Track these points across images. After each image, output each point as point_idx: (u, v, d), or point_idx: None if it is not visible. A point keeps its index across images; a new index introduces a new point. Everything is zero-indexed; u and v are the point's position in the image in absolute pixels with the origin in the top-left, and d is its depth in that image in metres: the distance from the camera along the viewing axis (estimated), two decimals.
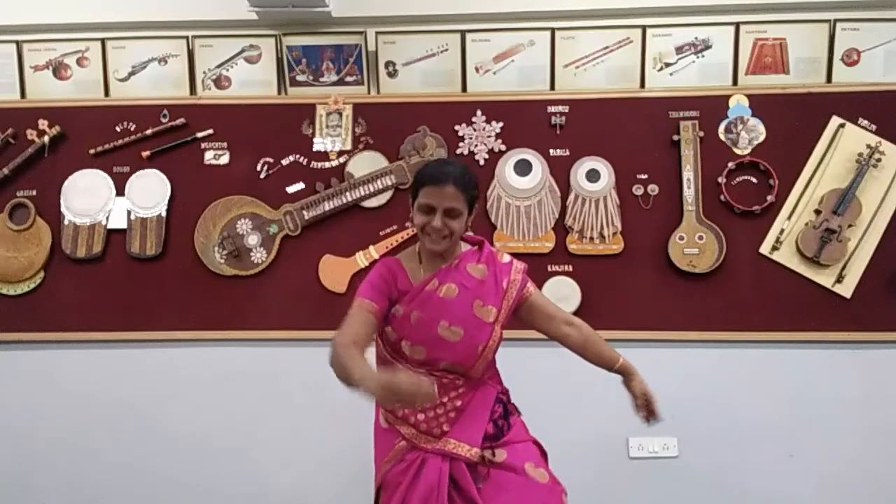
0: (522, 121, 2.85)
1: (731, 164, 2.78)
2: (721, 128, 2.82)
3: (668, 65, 2.86)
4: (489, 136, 2.85)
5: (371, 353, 1.80)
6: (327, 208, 2.85)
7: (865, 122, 2.78)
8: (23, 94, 2.96)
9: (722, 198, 2.78)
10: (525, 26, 2.88)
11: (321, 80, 2.92)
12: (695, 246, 2.76)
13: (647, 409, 1.94)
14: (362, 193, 2.84)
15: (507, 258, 1.97)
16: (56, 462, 2.89)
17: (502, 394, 1.96)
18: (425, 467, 1.80)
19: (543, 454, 1.95)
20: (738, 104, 2.81)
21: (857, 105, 2.78)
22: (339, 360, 1.64)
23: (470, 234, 1.96)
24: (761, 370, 2.77)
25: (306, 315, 2.83)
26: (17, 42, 2.95)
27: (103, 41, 2.94)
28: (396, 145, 2.87)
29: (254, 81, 2.93)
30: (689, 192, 2.78)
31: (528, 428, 1.99)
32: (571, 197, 2.82)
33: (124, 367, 2.88)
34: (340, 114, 2.90)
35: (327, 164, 2.89)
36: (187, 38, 2.93)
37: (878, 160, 2.73)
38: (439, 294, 1.82)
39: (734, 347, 2.78)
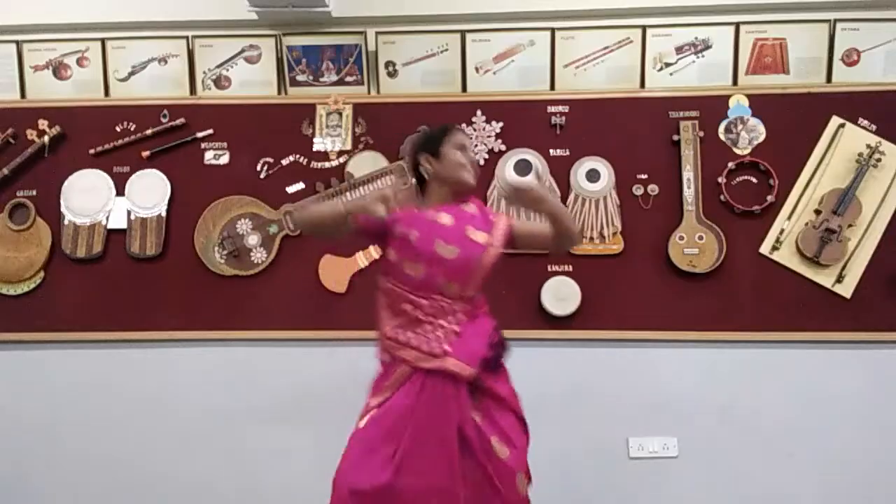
0: (522, 121, 2.85)
1: (731, 164, 2.78)
2: (721, 128, 2.82)
3: (668, 65, 2.86)
4: (489, 137, 2.85)
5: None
6: None
7: (865, 122, 2.78)
8: (23, 94, 2.96)
9: (722, 198, 2.78)
10: (525, 26, 2.88)
11: (321, 80, 2.92)
12: (695, 246, 2.76)
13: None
14: (362, 193, 2.84)
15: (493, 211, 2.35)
16: (55, 462, 2.89)
17: (496, 329, 2.07)
18: (427, 388, 1.93)
19: (521, 421, 2.02)
20: (738, 104, 2.81)
21: (857, 105, 2.78)
22: (315, 213, 1.99)
23: None
24: (761, 370, 2.77)
25: (306, 315, 2.83)
26: (17, 42, 2.95)
27: (103, 41, 2.94)
28: (396, 145, 2.86)
29: (254, 81, 2.93)
30: (689, 192, 2.78)
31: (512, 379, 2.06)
32: (571, 197, 2.82)
33: (124, 367, 2.88)
34: (340, 114, 2.90)
35: (327, 164, 2.89)
36: (187, 38, 2.93)
37: (878, 160, 2.73)
38: (436, 221, 2.01)
39: (734, 347, 2.78)
